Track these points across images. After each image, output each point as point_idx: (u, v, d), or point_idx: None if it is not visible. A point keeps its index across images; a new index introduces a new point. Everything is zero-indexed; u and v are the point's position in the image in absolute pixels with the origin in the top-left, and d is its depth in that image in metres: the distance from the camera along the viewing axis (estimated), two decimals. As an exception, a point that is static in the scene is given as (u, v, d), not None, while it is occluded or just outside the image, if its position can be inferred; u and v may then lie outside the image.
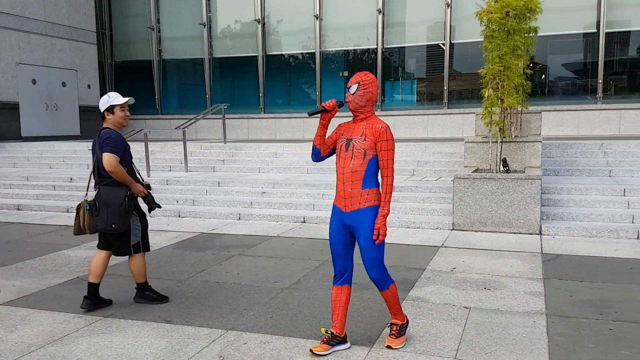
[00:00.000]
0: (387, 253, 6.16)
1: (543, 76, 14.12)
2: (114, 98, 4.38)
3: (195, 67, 17.37)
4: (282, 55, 16.49)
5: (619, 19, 13.12)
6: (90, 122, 16.69)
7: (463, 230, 7.26)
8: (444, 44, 14.55)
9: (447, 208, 7.80)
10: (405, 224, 7.52)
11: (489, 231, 7.16)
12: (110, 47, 18.27)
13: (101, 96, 18.27)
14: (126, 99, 4.41)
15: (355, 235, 3.49)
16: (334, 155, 3.61)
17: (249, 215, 8.33)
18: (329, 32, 15.76)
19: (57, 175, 11.13)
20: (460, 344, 3.67)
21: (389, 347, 3.61)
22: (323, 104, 3.48)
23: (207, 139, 15.44)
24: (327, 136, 3.73)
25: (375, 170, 3.43)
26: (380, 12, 14.90)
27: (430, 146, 10.57)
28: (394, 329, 3.66)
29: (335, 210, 3.54)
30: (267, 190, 9.24)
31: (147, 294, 4.65)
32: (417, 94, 15.38)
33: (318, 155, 3.58)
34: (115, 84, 18.35)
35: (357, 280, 5.14)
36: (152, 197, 4.57)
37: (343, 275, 3.59)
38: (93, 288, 4.46)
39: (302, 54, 16.25)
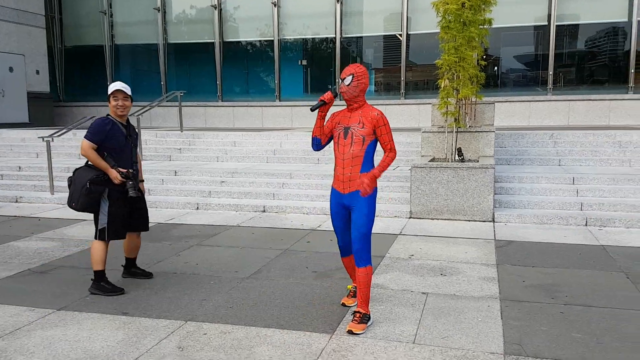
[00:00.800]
0: (346, 241, 6.22)
1: (496, 68, 14.46)
2: (111, 87, 4.53)
3: (150, 53, 16.91)
4: (239, 42, 16.26)
5: (568, 12, 13.56)
6: (39, 109, 16.04)
7: (420, 219, 7.40)
8: (400, 35, 14.69)
9: (404, 197, 7.93)
10: (364, 212, 7.59)
11: (445, 219, 7.32)
12: (60, 31, 17.54)
13: (50, 82, 17.63)
14: (112, 88, 4.52)
15: (351, 213, 3.82)
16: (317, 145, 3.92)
17: (207, 205, 8.22)
18: (287, 20, 15.64)
19: (4, 164, 10.66)
20: (418, 329, 3.76)
21: (350, 332, 3.70)
22: (322, 97, 3.73)
23: (162, 127, 15.10)
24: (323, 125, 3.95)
25: (372, 155, 3.79)
26: (338, 1, 14.89)
27: (388, 135, 10.68)
28: (357, 316, 3.80)
29: (334, 192, 3.89)
30: (226, 179, 9.14)
31: (102, 285, 4.55)
32: (375, 84, 15.49)
33: (319, 145, 3.92)
34: (65, 70, 17.68)
35: (317, 269, 5.18)
36: (133, 185, 4.51)
37: (345, 249, 4.06)
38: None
39: (260, 41, 16.07)
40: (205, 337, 3.66)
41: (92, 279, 4.58)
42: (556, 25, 13.58)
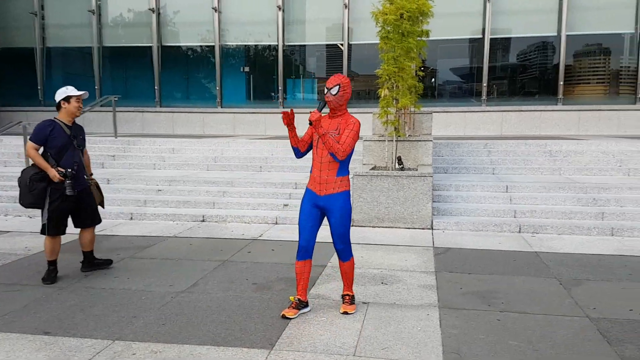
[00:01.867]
0: (286, 252, 6.12)
1: (433, 79, 14.83)
2: (71, 90, 4.99)
3: (84, 57, 16.21)
4: (179, 47, 15.87)
5: (502, 26, 14.12)
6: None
7: (362, 227, 7.40)
8: (342, 44, 14.80)
9: (346, 205, 7.90)
10: (305, 221, 7.52)
11: (386, 227, 7.36)
12: (-15, 32, 16.52)
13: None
14: (82, 92, 5.06)
15: (327, 214, 4.08)
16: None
17: (142, 215, 7.89)
18: (229, 26, 15.42)
19: None
20: (359, 341, 3.70)
21: (345, 312, 4.14)
22: (312, 119, 3.84)
23: (95, 133, 14.47)
24: (297, 135, 4.14)
25: (348, 161, 4.03)
26: (280, 9, 14.83)
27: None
28: (347, 298, 4.24)
29: (309, 192, 4.10)
30: (163, 187, 8.83)
31: (47, 272, 5.05)
32: (318, 93, 15.51)
33: (299, 152, 4.15)
34: (-9, 72, 16.65)
35: (257, 280, 5.04)
36: (71, 184, 4.85)
37: (307, 250, 4.12)
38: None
39: (201, 47, 15.75)
40: (134, 358, 3.44)
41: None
42: (490, 39, 14.09)
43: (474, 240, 6.67)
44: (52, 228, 4.92)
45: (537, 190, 8.09)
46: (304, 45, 15.41)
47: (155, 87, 15.78)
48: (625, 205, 7.52)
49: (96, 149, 11.28)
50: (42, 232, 4.94)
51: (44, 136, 4.85)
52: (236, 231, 7.18)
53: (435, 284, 4.93)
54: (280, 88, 15.21)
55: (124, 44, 16.03)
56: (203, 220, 7.76)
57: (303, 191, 8.38)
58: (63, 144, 4.89)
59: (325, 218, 4.16)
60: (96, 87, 15.92)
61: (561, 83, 13.84)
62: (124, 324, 3.99)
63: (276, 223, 7.59)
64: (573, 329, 3.89)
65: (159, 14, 15.54)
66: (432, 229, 7.24)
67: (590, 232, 6.84)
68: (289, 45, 15.27)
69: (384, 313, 4.22)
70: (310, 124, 3.84)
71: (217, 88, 15.51)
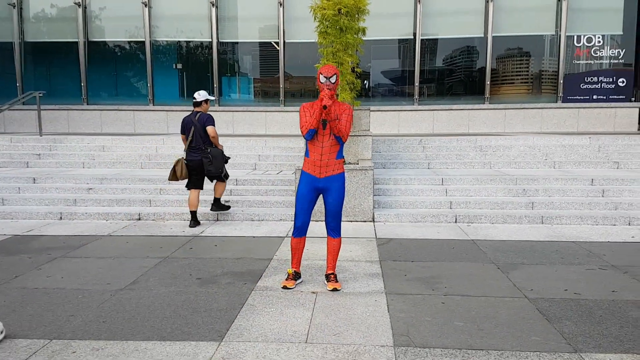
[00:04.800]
0: (229, 246, 6.01)
1: (365, 81, 15.06)
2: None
3: (4, 53, 15.19)
4: (107, 42, 15.21)
5: (432, 27, 14.58)
6: None
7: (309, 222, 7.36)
8: (277, 43, 14.75)
9: (289, 200, 7.87)
10: (250, 216, 7.41)
11: (328, 221, 7.37)
12: None
13: None
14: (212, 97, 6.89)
15: (324, 194, 4.42)
16: None
17: (73, 214, 7.48)
18: (160, 22, 14.96)
19: None
20: (310, 328, 3.68)
21: (335, 289, 4.43)
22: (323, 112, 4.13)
23: (19, 133, 13.60)
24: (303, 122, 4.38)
25: (343, 145, 4.43)
26: (213, 5, 14.56)
27: (271, 141, 10.62)
28: (332, 277, 4.55)
29: (307, 176, 4.39)
30: (94, 186, 8.41)
31: None
32: (255, 92, 15.36)
33: (313, 134, 4.30)
34: None
35: (202, 275, 4.90)
36: None
37: (303, 229, 4.48)
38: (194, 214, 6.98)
39: (130, 42, 15.17)
40: (74, 356, 3.24)
41: None
42: (421, 40, 14.51)
43: (414, 230, 6.83)
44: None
45: (470, 182, 8.41)
46: (239, 43, 15.21)
47: (82, 84, 15.04)
48: (553, 195, 7.96)
49: (19, 147, 10.60)
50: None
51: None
52: (176, 228, 6.96)
53: (381, 272, 5.00)
54: (215, 86, 14.93)
55: (48, 39, 15.18)
56: (139, 219, 7.47)
57: (244, 187, 8.30)
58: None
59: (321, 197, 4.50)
60: (18, 85, 14.96)
61: (488, 83, 14.47)
62: (62, 323, 3.75)
63: (217, 219, 7.42)
64: (514, 309, 4.06)
65: (85, 8, 14.84)
66: (374, 221, 7.35)
67: (522, 221, 7.19)
68: (224, 43, 15.03)
69: (334, 301, 4.22)
70: (325, 108, 4.07)
71: (149, 85, 15.00)
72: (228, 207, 7.37)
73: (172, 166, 7.08)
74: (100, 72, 15.29)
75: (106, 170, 9.63)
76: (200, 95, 6.90)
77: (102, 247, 5.99)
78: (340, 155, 4.38)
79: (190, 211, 7.02)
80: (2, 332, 3.45)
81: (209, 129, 6.76)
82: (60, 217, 7.48)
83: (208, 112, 6.99)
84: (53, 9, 15.13)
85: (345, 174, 7.29)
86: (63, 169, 9.67)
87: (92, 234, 6.63)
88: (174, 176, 6.84)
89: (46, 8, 15.13)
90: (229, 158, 7.08)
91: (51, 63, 15.50)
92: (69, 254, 5.68)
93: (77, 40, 14.93)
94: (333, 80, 4.20)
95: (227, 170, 7.30)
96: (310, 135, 4.30)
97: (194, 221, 7.01)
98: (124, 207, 7.83)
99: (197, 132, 6.79)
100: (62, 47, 15.15)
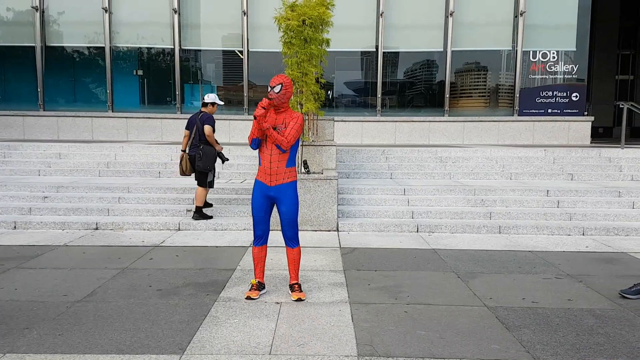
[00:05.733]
0: (191, 257, 5.91)
1: (329, 92, 15.16)
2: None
3: (-48, 55, 14.62)
4: (65, 48, 14.83)
5: (393, 40, 14.84)
6: None
7: (270, 230, 7.31)
8: (241, 52, 14.70)
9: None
10: (213, 226, 7.32)
11: (291, 230, 7.35)
12: None
13: None
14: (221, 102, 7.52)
15: (277, 203, 4.41)
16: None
17: (27, 223, 7.22)
18: (120, 28, 14.69)
19: None
20: (274, 339, 3.65)
21: (299, 299, 4.43)
22: (259, 109, 4.16)
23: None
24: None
25: (294, 153, 4.38)
26: (176, 12, 14.42)
27: (234, 150, 10.54)
28: (296, 287, 4.54)
29: (259, 184, 4.41)
30: (50, 194, 8.15)
31: None
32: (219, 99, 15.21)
33: (259, 143, 4.35)
34: None
35: (162, 287, 4.81)
36: None
37: (263, 237, 4.50)
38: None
39: (89, 48, 14.83)
40: (29, 371, 3.12)
41: None
42: (383, 52, 14.75)
43: (377, 240, 6.89)
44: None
45: (431, 192, 8.56)
46: (202, 50, 15.09)
47: (39, 90, 14.60)
48: (510, 206, 8.19)
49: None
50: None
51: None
52: (135, 238, 6.80)
53: (345, 282, 5.02)
54: (177, 93, 14.74)
55: (3, 43, 14.69)
56: (97, 228, 7.27)
57: (210, 197, 8.18)
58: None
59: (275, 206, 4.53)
60: (-32, 88, 14.40)
61: (447, 96, 14.80)
62: (15, 336, 3.61)
63: (179, 229, 7.30)
64: (474, 318, 4.14)
65: (42, 12, 14.44)
66: (338, 230, 7.38)
67: (480, 231, 7.36)
68: (186, 50, 14.88)
69: (297, 311, 4.21)
70: (255, 118, 4.12)
71: (108, 91, 14.68)
72: (210, 217, 7.55)
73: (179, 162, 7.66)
74: (58, 77, 14.88)
75: (63, 178, 9.34)
76: (209, 97, 7.43)
77: (58, 258, 5.79)
78: (290, 163, 4.38)
79: (195, 206, 7.48)
80: None
81: (206, 127, 7.19)
82: (14, 227, 7.21)
83: (211, 115, 7.42)
84: (9, 12, 14.67)
85: (310, 183, 7.32)
86: (17, 177, 9.34)
87: (47, 244, 6.41)
88: (182, 171, 7.37)
89: (1, 11, 14.66)
90: (227, 159, 7.48)
91: (6, 68, 14.98)
92: (23, 265, 5.47)
93: (34, 44, 14.50)
94: (276, 90, 4.23)
95: (214, 179, 7.57)
96: (256, 144, 4.35)
97: (198, 214, 7.45)
98: (81, 216, 7.61)
99: (197, 130, 7.24)
100: (18, 51, 14.69)
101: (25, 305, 4.24)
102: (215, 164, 7.45)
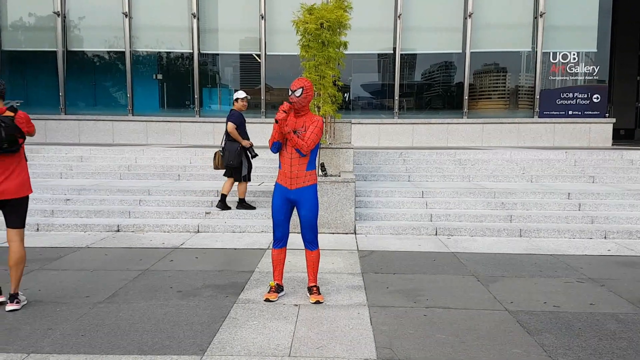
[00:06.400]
0: (210, 259, 5.96)
1: (346, 94, 15.15)
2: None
3: (-21, 61, 14.96)
4: (86, 52, 15.09)
5: (411, 43, 14.80)
6: None
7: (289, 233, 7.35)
8: (259, 55, 14.79)
9: (270, 212, 7.85)
10: (231, 228, 7.36)
11: (309, 233, 7.36)
12: None
13: None
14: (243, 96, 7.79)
15: (297, 206, 4.43)
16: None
17: (50, 226, 7.34)
18: (140, 32, 14.90)
19: None
20: (293, 342, 3.66)
21: (317, 302, 4.42)
22: (280, 113, 4.17)
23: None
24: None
25: (314, 156, 4.38)
26: (195, 17, 14.56)
27: (251, 152, 10.58)
28: (315, 289, 4.54)
29: (280, 187, 4.43)
30: (72, 197, 8.28)
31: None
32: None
33: (279, 147, 4.37)
34: None
35: (183, 288, 4.85)
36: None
37: (282, 240, 4.52)
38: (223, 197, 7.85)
39: (110, 52, 15.07)
40: (53, 371, 3.17)
41: None
42: (401, 54, 14.71)
43: (395, 243, 6.87)
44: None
45: (450, 195, 8.50)
46: (221, 55, 15.22)
47: (60, 94, 14.87)
48: (531, 209, 8.09)
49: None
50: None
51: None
52: (155, 240, 6.87)
53: (363, 285, 5.01)
54: (196, 97, 14.89)
55: (26, 48, 15.00)
56: (118, 230, 7.36)
57: (229, 199, 8.24)
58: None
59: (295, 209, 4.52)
60: (-8, 92, 14.70)
61: (466, 98, 14.71)
62: (39, 337, 3.67)
63: (198, 231, 7.36)
64: (495, 322, 4.10)
65: (64, 17, 14.71)
66: (356, 233, 7.37)
67: (501, 234, 7.28)
68: (205, 54, 15.02)
69: (316, 314, 4.21)
70: (276, 122, 4.12)
71: (128, 95, 14.89)
72: (253, 207, 7.92)
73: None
74: (79, 81, 15.13)
75: (84, 180, 9.49)
76: (235, 94, 7.84)
77: (80, 260, 5.88)
78: (311, 167, 4.38)
79: (221, 194, 7.88)
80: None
81: (228, 124, 7.53)
82: (37, 229, 7.34)
83: (240, 111, 7.76)
84: (31, 17, 14.96)
85: (327, 185, 7.33)
86: (40, 180, 9.50)
87: (69, 246, 6.51)
88: (215, 165, 7.75)
89: (24, 17, 14.96)
90: (256, 155, 7.71)
91: (28, 72, 15.29)
92: (46, 266, 5.57)
93: (55, 49, 14.78)
94: (297, 93, 4.23)
95: (248, 171, 7.82)
96: (276, 148, 4.38)
97: (222, 203, 7.81)
98: (103, 218, 7.72)
99: (225, 127, 7.62)
100: (40, 56, 14.98)
101: (49, 307, 4.32)
102: (246, 159, 7.70)
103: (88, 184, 9.01)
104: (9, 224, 4.27)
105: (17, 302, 4.24)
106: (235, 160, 7.52)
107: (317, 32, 7.86)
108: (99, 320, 4.02)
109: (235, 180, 7.76)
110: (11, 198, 4.15)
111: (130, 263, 5.73)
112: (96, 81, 15.32)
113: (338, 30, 8.27)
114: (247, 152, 7.64)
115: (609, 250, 6.58)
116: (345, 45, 8.43)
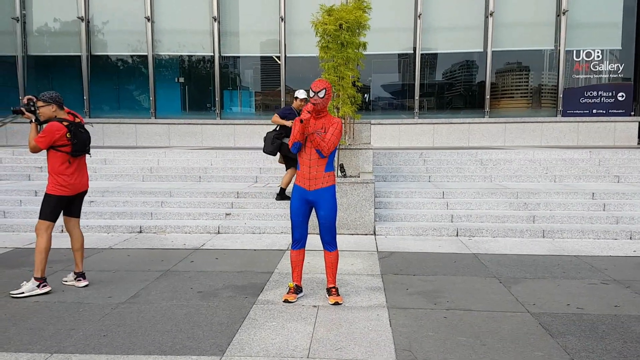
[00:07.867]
0: (230, 260, 6.00)
1: (366, 95, 15.13)
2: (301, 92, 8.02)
3: (7, 66, 15.31)
4: (109, 56, 15.34)
5: (432, 42, 14.69)
6: None
7: (308, 234, 7.36)
8: (279, 57, 14.85)
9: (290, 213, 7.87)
10: (251, 229, 7.41)
11: (329, 234, 7.36)
12: None
13: None
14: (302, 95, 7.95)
15: (315, 208, 4.44)
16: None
17: (74, 227, 7.47)
18: (162, 36, 15.10)
19: None
20: (311, 343, 3.66)
21: (336, 303, 4.43)
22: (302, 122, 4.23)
23: (21, 145, 13.65)
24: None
25: (333, 157, 4.42)
26: (215, 20, 14.70)
27: (270, 154, 10.63)
28: (334, 290, 4.55)
29: (298, 189, 4.45)
30: (96, 198, 8.42)
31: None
32: (256, 105, 15.44)
33: (300, 147, 4.38)
34: None
35: (203, 289, 4.89)
36: None
37: (300, 241, 4.54)
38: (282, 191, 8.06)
39: (132, 56, 15.30)
40: (76, 370, 3.23)
41: None
42: (421, 54, 14.62)
43: (415, 244, 6.82)
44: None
45: (471, 196, 8.41)
46: (241, 57, 15.33)
47: (84, 97, 15.15)
48: (554, 210, 7.96)
49: (21, 160, 10.63)
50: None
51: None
52: (177, 241, 6.95)
53: (382, 286, 4.99)
54: (217, 99, 15.02)
55: (51, 53, 15.33)
56: (140, 232, 7.47)
57: (245, 200, 8.30)
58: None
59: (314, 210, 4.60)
60: (20, 98, 15.06)
61: (487, 97, 14.54)
62: (62, 337, 3.74)
63: (219, 232, 7.42)
64: (517, 324, 4.04)
65: (88, 22, 14.98)
66: (375, 234, 7.34)
67: (523, 235, 7.18)
68: (226, 57, 15.14)
69: (335, 315, 4.21)
70: (301, 122, 4.16)
71: (151, 98, 15.10)
72: (289, 198, 8.09)
73: None
74: (103, 85, 15.40)
75: (108, 183, 9.64)
76: (296, 92, 8.05)
77: (103, 260, 5.98)
78: (329, 168, 4.40)
79: (279, 187, 8.27)
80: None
81: (274, 116, 7.93)
82: (62, 230, 7.48)
83: (291, 107, 8.06)
84: (56, 23, 15.28)
85: (346, 186, 7.32)
86: (64, 182, 9.68)
87: (93, 247, 6.62)
88: (278, 161, 8.28)
89: (49, 22, 15.28)
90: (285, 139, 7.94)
91: (53, 76, 15.61)
92: (69, 267, 5.67)
93: (79, 54, 15.06)
94: (321, 95, 4.25)
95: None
96: (296, 148, 4.38)
97: (279, 195, 8.09)
98: (126, 219, 7.83)
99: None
100: (65, 60, 15.29)
101: (72, 307, 4.40)
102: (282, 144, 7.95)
103: (111, 186, 9.16)
104: (75, 214, 5.04)
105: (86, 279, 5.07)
106: (269, 149, 7.82)
107: (336, 33, 7.85)
108: (121, 321, 4.08)
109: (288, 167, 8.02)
110: (84, 190, 5.00)
111: (152, 264, 5.80)
112: (119, 85, 15.57)
113: (357, 31, 8.25)
114: (282, 140, 7.86)
115: (634, 251, 6.43)
116: (364, 45, 8.41)
